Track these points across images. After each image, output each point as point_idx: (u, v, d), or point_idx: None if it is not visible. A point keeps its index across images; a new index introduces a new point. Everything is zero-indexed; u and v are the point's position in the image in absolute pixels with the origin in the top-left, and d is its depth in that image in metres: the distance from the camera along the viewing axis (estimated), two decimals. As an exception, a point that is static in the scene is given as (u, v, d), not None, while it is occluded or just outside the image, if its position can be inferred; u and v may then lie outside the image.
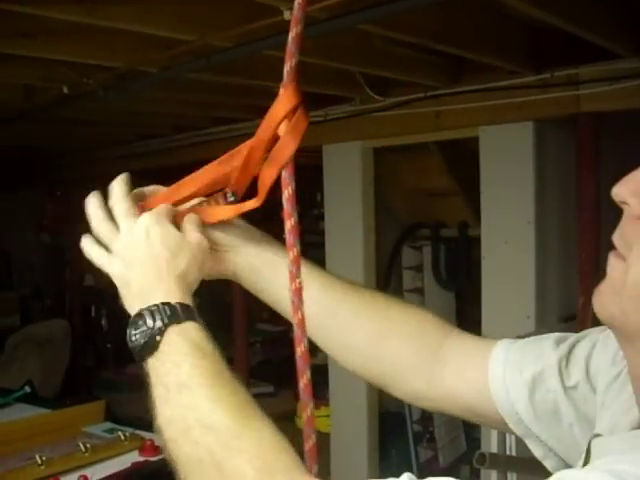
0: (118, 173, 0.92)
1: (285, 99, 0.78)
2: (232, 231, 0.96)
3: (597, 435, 0.75)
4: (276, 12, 2.00)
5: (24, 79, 2.98)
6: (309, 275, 0.93)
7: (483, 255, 3.48)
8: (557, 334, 0.91)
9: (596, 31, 2.49)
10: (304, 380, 0.75)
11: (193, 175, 0.91)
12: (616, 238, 0.68)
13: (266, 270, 0.96)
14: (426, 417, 4.57)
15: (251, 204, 0.90)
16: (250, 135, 0.85)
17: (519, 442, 3.00)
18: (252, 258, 0.97)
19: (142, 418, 3.11)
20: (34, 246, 6.85)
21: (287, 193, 0.78)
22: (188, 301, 0.84)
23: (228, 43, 2.39)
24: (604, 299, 0.68)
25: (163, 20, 2.19)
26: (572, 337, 0.89)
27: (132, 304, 0.84)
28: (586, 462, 0.70)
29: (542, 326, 3.33)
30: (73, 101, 3.11)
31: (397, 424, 4.41)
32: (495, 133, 3.35)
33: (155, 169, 5.53)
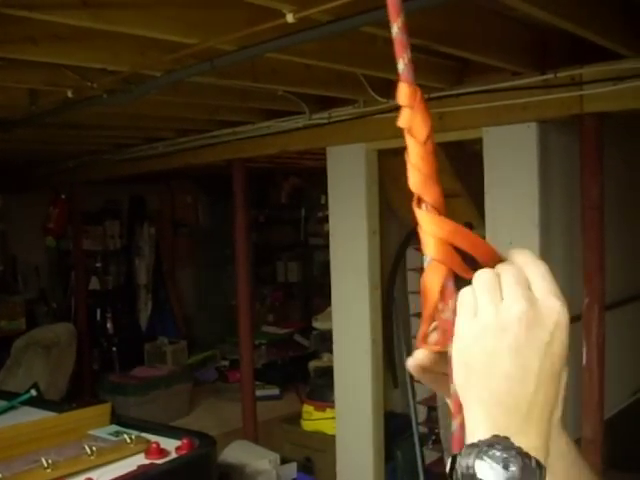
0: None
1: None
2: None
3: None
4: (279, 15, 2.00)
5: (29, 83, 2.99)
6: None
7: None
8: None
9: (599, 31, 2.48)
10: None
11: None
12: None
13: None
14: (432, 419, 4.57)
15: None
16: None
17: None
18: None
19: (148, 421, 3.12)
20: (39, 250, 6.86)
21: None
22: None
23: (231, 46, 2.40)
24: None
25: (166, 24, 2.20)
26: None
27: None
28: None
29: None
30: (77, 105, 3.12)
31: (403, 426, 4.41)
32: (499, 134, 3.34)
33: (159, 172, 5.58)
